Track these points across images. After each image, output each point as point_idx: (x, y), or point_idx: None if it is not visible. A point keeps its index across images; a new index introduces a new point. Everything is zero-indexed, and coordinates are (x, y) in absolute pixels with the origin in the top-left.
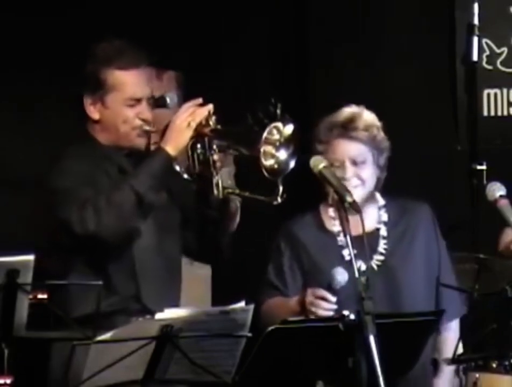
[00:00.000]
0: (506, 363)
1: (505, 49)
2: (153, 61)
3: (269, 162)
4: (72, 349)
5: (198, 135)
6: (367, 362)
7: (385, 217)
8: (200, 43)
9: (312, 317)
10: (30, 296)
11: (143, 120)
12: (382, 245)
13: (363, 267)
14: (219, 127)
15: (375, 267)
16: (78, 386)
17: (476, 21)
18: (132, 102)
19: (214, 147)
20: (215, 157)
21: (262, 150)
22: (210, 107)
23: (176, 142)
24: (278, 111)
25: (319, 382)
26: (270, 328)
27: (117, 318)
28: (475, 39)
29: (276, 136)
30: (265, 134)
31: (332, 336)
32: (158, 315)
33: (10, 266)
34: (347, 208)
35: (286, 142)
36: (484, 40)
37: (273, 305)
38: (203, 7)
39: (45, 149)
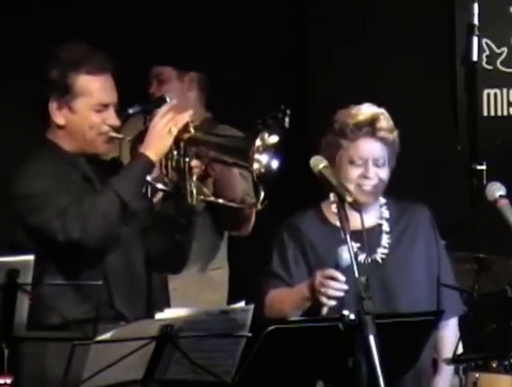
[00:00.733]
0: (506, 363)
1: (505, 49)
2: (116, 67)
3: (255, 166)
4: (72, 349)
5: (176, 141)
6: (367, 362)
7: (386, 213)
8: (200, 43)
9: (323, 299)
10: (30, 297)
11: (111, 126)
12: (385, 239)
13: (368, 260)
14: (199, 134)
15: (380, 260)
16: (78, 386)
17: (476, 21)
18: (99, 107)
19: (191, 153)
20: (193, 163)
21: (254, 156)
22: (190, 112)
23: (158, 147)
24: (287, 119)
25: (319, 382)
26: (270, 328)
27: (91, 325)
28: (475, 39)
29: (259, 142)
30: (256, 144)
31: (332, 336)
32: (158, 315)
33: (10, 266)
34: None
35: (268, 148)
36: (484, 40)
37: (279, 294)
38: (203, 7)
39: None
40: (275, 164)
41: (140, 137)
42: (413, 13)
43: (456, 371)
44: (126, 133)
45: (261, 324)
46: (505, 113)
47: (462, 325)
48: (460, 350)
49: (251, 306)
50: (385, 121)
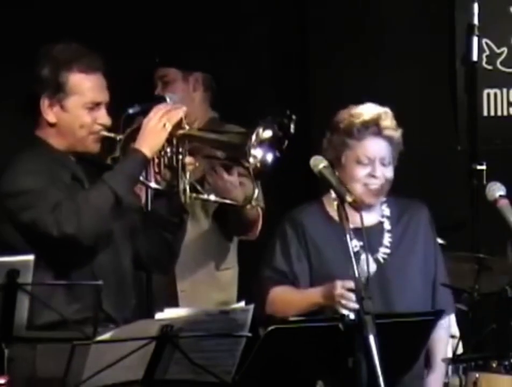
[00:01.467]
0: (506, 363)
1: (505, 49)
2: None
3: (251, 161)
4: (72, 349)
5: (169, 138)
6: (367, 362)
7: (387, 211)
8: (200, 43)
9: (343, 310)
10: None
11: (102, 125)
12: (387, 238)
13: (370, 259)
14: (193, 130)
15: (381, 260)
16: (78, 386)
17: (476, 21)
18: (91, 106)
19: (185, 150)
20: (187, 160)
21: (250, 152)
22: (184, 108)
23: (152, 143)
24: (293, 125)
25: (319, 382)
26: (270, 328)
27: (82, 327)
28: (475, 39)
29: (253, 138)
30: (254, 137)
31: (332, 336)
32: (158, 315)
33: (10, 266)
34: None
35: (262, 142)
36: (484, 40)
37: (284, 295)
38: (204, 8)
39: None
40: (269, 157)
41: (132, 136)
42: (413, 13)
43: (456, 371)
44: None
45: (261, 321)
46: (505, 113)
47: (462, 325)
48: (460, 350)
49: (251, 306)
50: (389, 119)
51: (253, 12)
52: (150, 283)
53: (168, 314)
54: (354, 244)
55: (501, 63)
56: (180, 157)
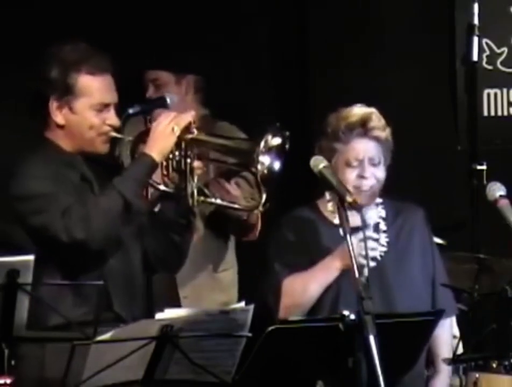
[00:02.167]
0: (506, 363)
1: (505, 49)
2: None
3: (258, 168)
4: (72, 349)
5: (178, 142)
6: (367, 362)
7: (383, 213)
8: (200, 43)
9: (364, 261)
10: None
11: (111, 126)
12: (383, 238)
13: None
14: (201, 134)
15: (379, 257)
16: (78, 386)
17: (476, 21)
18: (100, 107)
19: (194, 154)
20: (195, 164)
21: (258, 158)
22: (192, 113)
23: (161, 147)
24: (287, 144)
25: (319, 382)
26: (270, 328)
27: (91, 327)
28: (475, 39)
29: (262, 144)
30: (262, 144)
31: (332, 336)
32: (158, 315)
33: (10, 266)
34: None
35: (271, 149)
36: (484, 40)
37: (298, 277)
38: (203, 8)
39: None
40: (277, 165)
41: (140, 138)
42: (413, 13)
43: (456, 371)
44: (127, 133)
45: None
46: (505, 113)
47: (462, 325)
48: (460, 350)
49: (251, 306)
50: (376, 120)
51: (253, 12)
52: (150, 284)
53: (168, 314)
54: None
55: (501, 63)
56: (188, 160)
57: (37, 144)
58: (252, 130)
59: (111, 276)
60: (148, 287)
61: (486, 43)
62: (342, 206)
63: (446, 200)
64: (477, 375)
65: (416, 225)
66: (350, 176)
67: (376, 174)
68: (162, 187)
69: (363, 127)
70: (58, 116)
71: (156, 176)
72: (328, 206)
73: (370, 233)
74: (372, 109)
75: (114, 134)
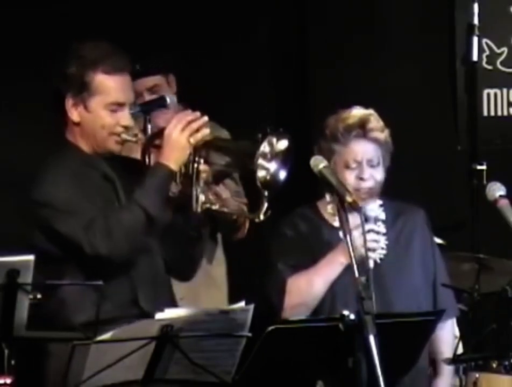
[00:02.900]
0: (506, 363)
1: (505, 49)
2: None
3: (261, 174)
4: (72, 349)
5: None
6: (367, 362)
7: (383, 215)
8: (200, 43)
9: (369, 255)
10: (31, 296)
11: (124, 127)
12: (383, 241)
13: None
14: (210, 138)
15: (378, 260)
16: (78, 386)
17: (476, 21)
18: (114, 107)
19: (201, 158)
20: (202, 167)
21: (258, 162)
22: (206, 119)
23: (177, 157)
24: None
25: (319, 382)
26: (270, 328)
27: (116, 325)
28: (475, 39)
29: (267, 149)
30: (261, 148)
31: (332, 336)
32: (158, 315)
33: (10, 266)
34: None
35: (277, 155)
36: (484, 40)
37: (302, 275)
38: (203, 7)
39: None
40: (282, 174)
41: (152, 140)
42: (413, 13)
43: (456, 371)
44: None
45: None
46: (505, 113)
47: (462, 325)
48: (460, 350)
49: (251, 306)
50: (375, 121)
51: (253, 12)
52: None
53: (168, 314)
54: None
55: (501, 63)
56: (195, 164)
57: (59, 147)
58: (252, 130)
59: (137, 272)
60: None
61: (486, 43)
62: (342, 206)
63: (446, 200)
64: (477, 375)
65: (416, 227)
66: (349, 178)
67: (375, 176)
68: (170, 194)
69: (361, 128)
70: (74, 114)
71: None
72: (328, 208)
73: (372, 225)
74: (370, 111)
75: (126, 136)
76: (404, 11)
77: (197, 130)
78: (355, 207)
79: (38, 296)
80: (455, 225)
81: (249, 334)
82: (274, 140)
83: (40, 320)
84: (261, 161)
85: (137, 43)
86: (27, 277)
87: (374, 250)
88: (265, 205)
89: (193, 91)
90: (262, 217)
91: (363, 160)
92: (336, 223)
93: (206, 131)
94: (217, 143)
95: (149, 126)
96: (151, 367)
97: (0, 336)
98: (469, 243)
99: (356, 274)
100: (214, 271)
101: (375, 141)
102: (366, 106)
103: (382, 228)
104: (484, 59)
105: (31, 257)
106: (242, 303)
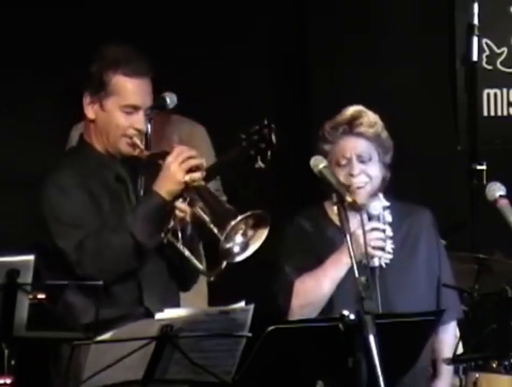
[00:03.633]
0: (506, 363)
1: (505, 49)
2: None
3: (227, 245)
4: (72, 349)
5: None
6: (367, 362)
7: (389, 218)
8: (200, 43)
9: (376, 252)
10: (30, 296)
11: (137, 130)
12: (389, 245)
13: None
14: (203, 186)
15: (384, 265)
16: (78, 386)
17: (476, 21)
18: (129, 109)
19: (186, 198)
20: (179, 205)
21: (226, 232)
22: (203, 161)
23: (170, 189)
24: (273, 136)
25: (319, 382)
26: (270, 328)
27: (121, 324)
28: (475, 39)
29: (242, 226)
30: (238, 219)
31: (332, 336)
32: (158, 315)
33: (10, 266)
34: (348, 207)
35: (246, 237)
36: (484, 40)
37: (309, 276)
38: (203, 7)
39: (45, 150)
40: (238, 256)
41: (154, 158)
42: (413, 13)
43: (456, 371)
44: (160, 135)
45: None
46: (505, 113)
47: (462, 326)
48: (460, 350)
49: (251, 306)
50: (365, 117)
51: (252, 12)
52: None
53: (168, 314)
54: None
55: (501, 63)
56: (179, 200)
57: (74, 148)
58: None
59: (143, 272)
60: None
61: (486, 43)
62: (342, 205)
63: (446, 200)
64: (477, 375)
65: (421, 229)
66: (341, 175)
67: (367, 171)
68: None
69: (348, 125)
70: (90, 111)
71: None
72: (334, 209)
73: (376, 223)
74: (361, 107)
75: (137, 141)
76: (404, 11)
77: (195, 169)
78: (355, 207)
79: (40, 296)
80: (455, 225)
81: (249, 334)
82: (251, 221)
83: (48, 321)
84: (231, 233)
85: (136, 43)
86: (27, 277)
87: (379, 248)
88: (221, 268)
89: (193, 90)
90: (212, 278)
91: (352, 156)
92: None
93: (200, 174)
94: (205, 194)
95: (149, 126)
96: (151, 367)
97: (0, 336)
98: (469, 243)
99: (356, 274)
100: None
101: (363, 135)
102: (366, 106)
103: (388, 231)
104: (484, 59)
105: (31, 257)
106: (242, 303)
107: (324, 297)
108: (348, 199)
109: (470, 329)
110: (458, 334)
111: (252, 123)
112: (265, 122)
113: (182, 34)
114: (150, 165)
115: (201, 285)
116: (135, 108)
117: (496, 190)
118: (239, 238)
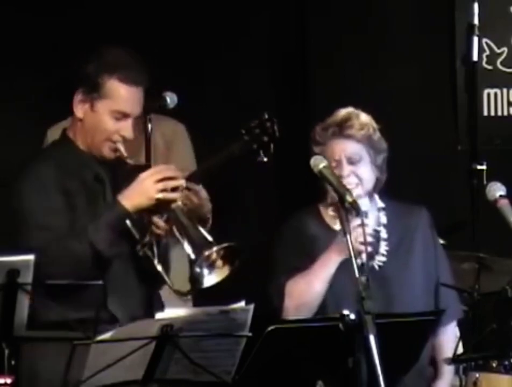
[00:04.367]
0: (506, 362)
1: (505, 49)
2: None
3: (197, 270)
4: (72, 349)
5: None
6: (367, 362)
7: (384, 219)
8: (200, 43)
9: (363, 247)
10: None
11: (123, 137)
12: (383, 247)
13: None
14: (179, 209)
15: (377, 267)
16: (78, 386)
17: (476, 21)
18: (119, 115)
19: (163, 216)
20: (158, 222)
21: (199, 260)
22: (183, 182)
23: (137, 203)
24: (276, 128)
25: (319, 382)
26: (270, 328)
27: (84, 326)
28: (475, 39)
29: (214, 256)
30: (214, 249)
31: (332, 336)
32: (158, 315)
33: (10, 266)
34: (347, 208)
35: (213, 266)
36: (484, 40)
37: (299, 277)
38: (203, 7)
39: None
40: (204, 282)
41: (136, 169)
42: (413, 13)
43: (456, 371)
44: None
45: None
46: (505, 113)
47: (462, 326)
48: (460, 350)
49: (251, 306)
50: (355, 119)
51: (252, 11)
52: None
53: (168, 314)
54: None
55: (501, 63)
56: (158, 217)
57: (58, 142)
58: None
59: (108, 277)
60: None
61: (486, 43)
62: (342, 206)
63: (446, 200)
64: (477, 375)
65: (418, 229)
66: None
67: (358, 173)
68: (134, 231)
69: (338, 126)
70: (79, 110)
71: None
72: (329, 211)
73: (361, 219)
74: (352, 110)
75: (121, 147)
76: (404, 11)
77: (171, 190)
78: (355, 207)
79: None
80: (455, 225)
81: (249, 334)
82: (221, 252)
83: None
84: (202, 261)
85: (136, 42)
86: (27, 277)
87: (365, 244)
88: (194, 290)
89: (193, 90)
90: (186, 295)
91: (342, 158)
92: (336, 226)
93: (176, 195)
94: (180, 217)
95: (149, 126)
96: (151, 367)
97: (0, 336)
98: (469, 243)
99: (357, 274)
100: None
101: (353, 137)
102: (366, 106)
103: (383, 233)
104: (484, 59)
105: (31, 257)
106: (242, 303)
107: (317, 297)
108: (349, 199)
109: (470, 329)
110: (458, 333)
111: (251, 119)
112: (266, 116)
113: (182, 34)
114: (131, 174)
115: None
116: (125, 115)
117: (496, 190)
118: (207, 269)
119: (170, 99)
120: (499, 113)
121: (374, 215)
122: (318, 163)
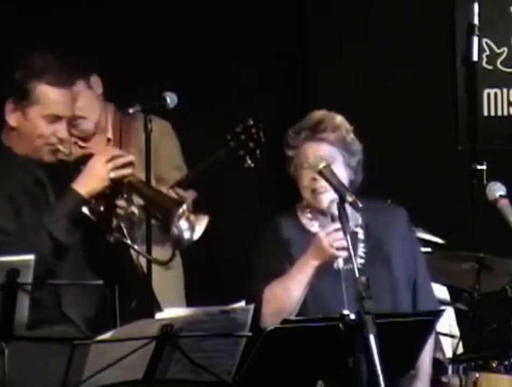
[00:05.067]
0: (506, 362)
1: (505, 49)
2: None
3: (174, 231)
4: (72, 349)
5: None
6: (367, 362)
7: (360, 221)
8: (200, 43)
9: (338, 253)
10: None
11: (60, 139)
12: (361, 249)
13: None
14: (135, 181)
15: (357, 270)
16: (78, 385)
17: (476, 21)
18: (52, 118)
19: (123, 195)
20: (119, 202)
21: (174, 222)
22: (132, 157)
23: (91, 187)
24: (261, 134)
25: (319, 382)
26: (270, 328)
27: (40, 327)
28: (475, 39)
29: (186, 213)
30: (181, 209)
31: (332, 336)
32: (158, 315)
33: (10, 266)
34: (323, 212)
35: (190, 219)
36: (484, 40)
37: (277, 283)
38: (203, 7)
39: None
40: (188, 241)
41: (82, 160)
42: (413, 13)
43: (456, 371)
44: (128, 132)
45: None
46: (505, 113)
47: (462, 325)
48: (460, 350)
49: (252, 306)
50: (329, 122)
51: (252, 11)
52: (149, 284)
53: (168, 314)
54: None
55: (501, 63)
56: (119, 198)
57: None
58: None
59: (61, 278)
60: (148, 286)
61: (487, 43)
62: (342, 205)
63: (446, 200)
64: (477, 375)
65: (395, 228)
66: (306, 180)
67: None
68: (85, 210)
69: (311, 130)
70: (12, 119)
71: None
72: (305, 212)
73: (337, 224)
74: (325, 112)
75: (60, 147)
76: (404, 11)
77: (121, 167)
78: (355, 207)
79: None
80: (455, 225)
81: (249, 334)
82: (190, 209)
83: None
84: (177, 221)
85: (136, 43)
86: (27, 277)
87: (342, 248)
88: (174, 255)
89: (193, 90)
90: (166, 264)
91: None
92: (313, 228)
93: (128, 170)
94: (140, 188)
95: (149, 126)
96: (151, 367)
97: (0, 336)
98: (469, 243)
99: (357, 274)
100: (169, 274)
101: (326, 140)
102: (366, 106)
103: (360, 234)
104: (484, 59)
105: (31, 257)
106: (242, 303)
107: (295, 302)
108: (349, 198)
109: (470, 329)
110: (458, 334)
111: (251, 119)
112: (251, 121)
113: (182, 34)
114: (75, 170)
115: (179, 285)
116: (58, 117)
117: (496, 190)
118: (184, 224)
119: (170, 99)
120: (499, 113)
121: (352, 217)
122: (318, 163)
